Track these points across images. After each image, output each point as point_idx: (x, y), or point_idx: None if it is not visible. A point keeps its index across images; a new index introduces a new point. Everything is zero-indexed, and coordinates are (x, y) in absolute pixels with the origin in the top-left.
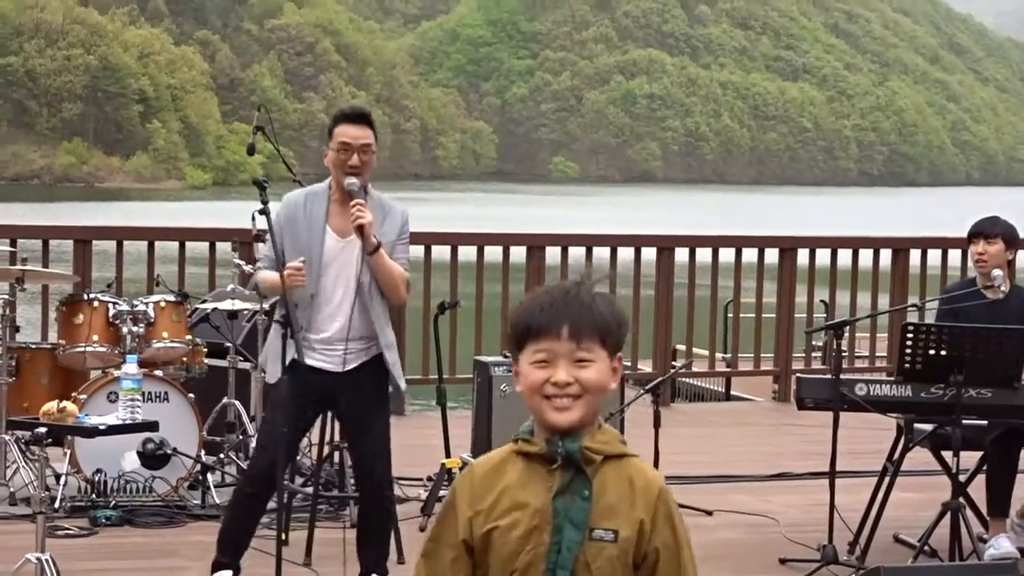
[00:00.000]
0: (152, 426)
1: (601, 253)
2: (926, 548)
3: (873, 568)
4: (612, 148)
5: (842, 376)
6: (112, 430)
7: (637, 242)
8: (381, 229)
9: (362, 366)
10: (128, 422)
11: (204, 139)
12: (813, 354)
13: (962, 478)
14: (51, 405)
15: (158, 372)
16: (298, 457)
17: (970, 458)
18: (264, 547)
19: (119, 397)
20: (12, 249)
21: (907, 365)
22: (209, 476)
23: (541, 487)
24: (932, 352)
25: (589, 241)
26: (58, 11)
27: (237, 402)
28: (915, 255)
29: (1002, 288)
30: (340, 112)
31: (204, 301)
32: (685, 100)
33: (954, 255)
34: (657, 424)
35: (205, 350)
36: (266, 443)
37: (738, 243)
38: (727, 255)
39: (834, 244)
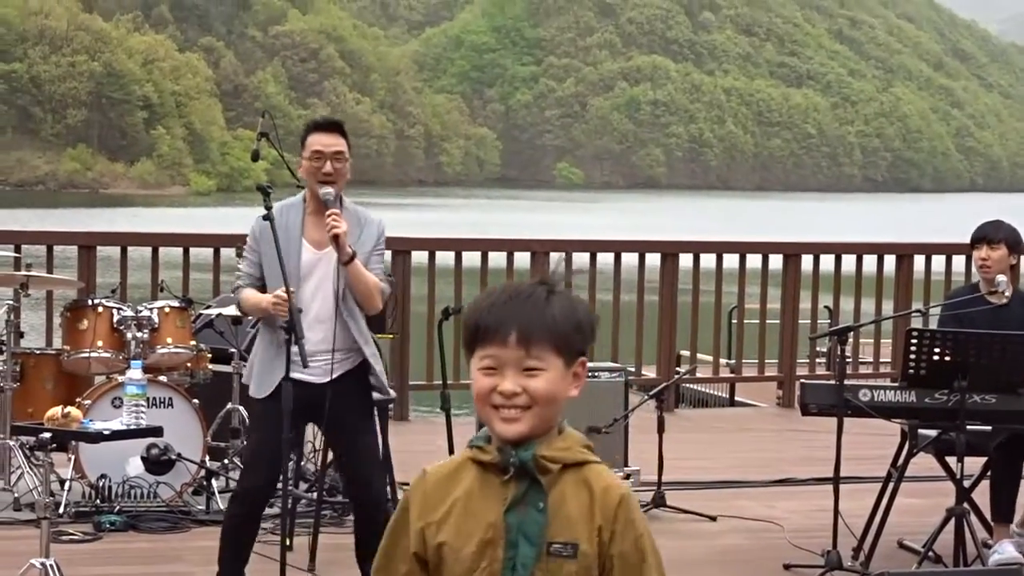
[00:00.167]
0: (156, 431)
1: (605, 259)
2: (930, 554)
3: (878, 574)
4: (616, 154)
5: (846, 382)
6: (116, 435)
7: (641, 248)
8: (358, 240)
9: (344, 376)
10: (132, 427)
11: (208, 145)
12: (817, 360)
13: (966, 484)
14: (55, 410)
15: (162, 378)
16: (302, 463)
17: (974, 464)
18: (268, 553)
19: (123, 402)
20: (17, 255)
21: (911, 371)
22: (213, 481)
23: (495, 499)
24: (936, 358)
25: (593, 247)
26: (62, 17)
27: (241, 407)
28: (919, 261)
29: (1006, 294)
30: (312, 122)
31: (208, 307)
32: (689, 106)
33: (958, 261)
34: (661, 430)
35: (209, 356)
36: (252, 463)
37: (742, 249)
38: (731, 261)
39: (838, 250)
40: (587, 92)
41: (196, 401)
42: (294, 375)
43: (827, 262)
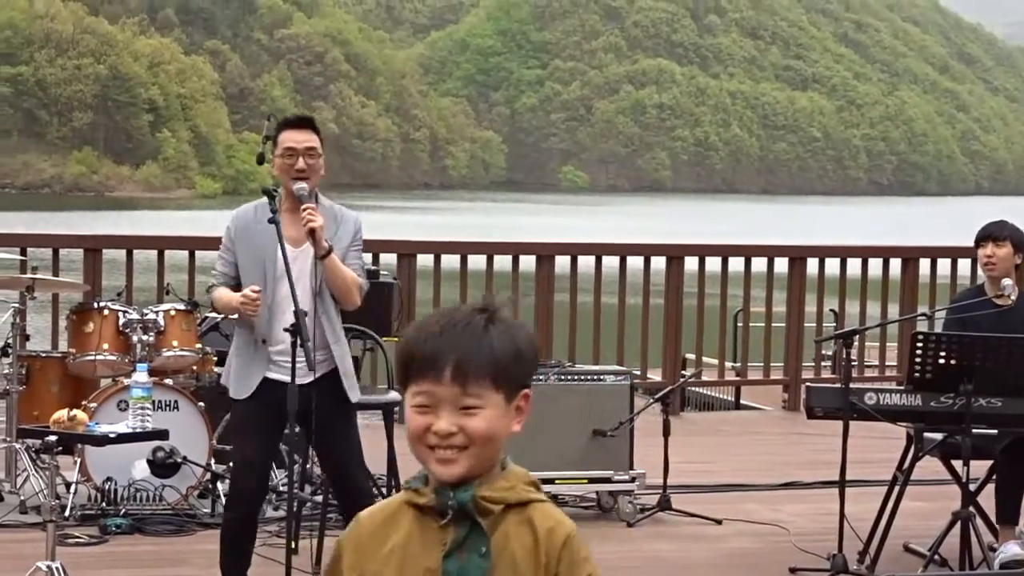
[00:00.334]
0: (162, 435)
1: (610, 262)
2: (936, 557)
3: None
4: (622, 158)
5: (852, 385)
6: (122, 438)
7: (647, 251)
8: (335, 236)
9: (325, 375)
10: (138, 430)
11: (214, 148)
12: (823, 363)
13: (972, 487)
14: (61, 413)
15: (168, 381)
16: (308, 465)
17: (980, 467)
18: (273, 556)
19: (129, 406)
20: (22, 258)
21: (917, 374)
22: (219, 485)
23: (433, 544)
24: (942, 361)
25: (598, 250)
26: (68, 21)
27: None
28: (925, 264)
29: (1012, 296)
30: (283, 119)
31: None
32: (695, 110)
33: (963, 264)
34: (667, 433)
35: (215, 359)
36: (242, 465)
37: (748, 252)
38: (737, 264)
39: (844, 253)
40: (592, 95)
41: (201, 404)
42: (273, 376)
43: (832, 265)
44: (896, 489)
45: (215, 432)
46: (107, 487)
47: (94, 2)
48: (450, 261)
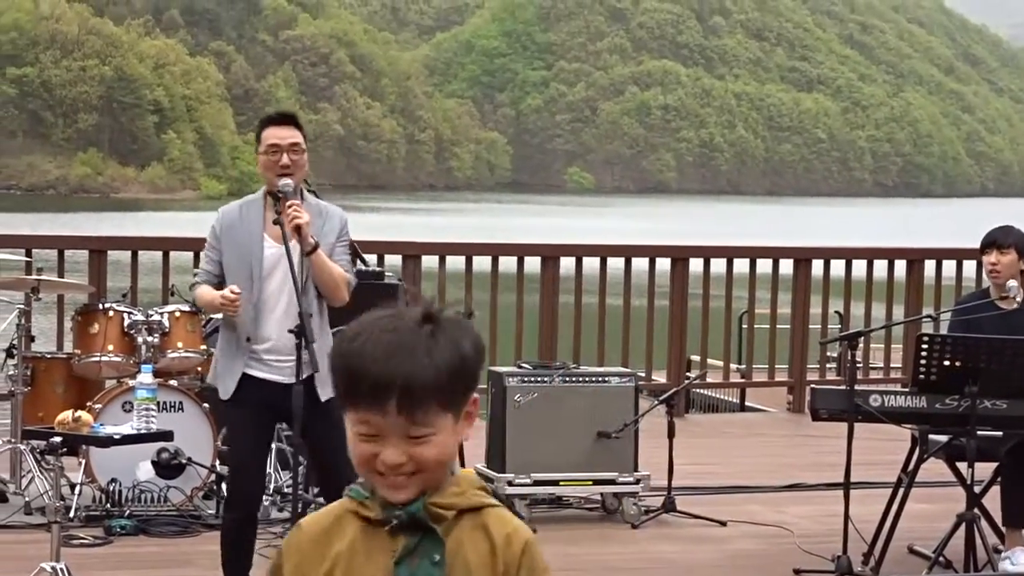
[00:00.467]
0: (167, 436)
1: (616, 263)
2: (941, 559)
3: None
4: (626, 159)
5: (856, 387)
6: (127, 440)
7: (651, 252)
8: (321, 231)
9: (311, 377)
10: (143, 432)
11: (219, 150)
12: (828, 365)
13: (977, 489)
14: (66, 415)
15: (173, 382)
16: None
17: (985, 469)
18: None
19: (134, 407)
20: (28, 259)
21: (922, 376)
22: (223, 486)
23: (381, 551)
24: (947, 363)
25: (603, 251)
26: (73, 22)
27: None
28: (930, 266)
29: (1017, 299)
30: (266, 116)
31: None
32: (700, 111)
33: (969, 266)
34: (671, 435)
35: None
36: (239, 466)
37: (752, 254)
38: (741, 266)
39: (848, 255)
40: (598, 97)
41: (206, 405)
42: (257, 374)
43: (838, 267)
44: (901, 491)
45: (220, 433)
46: (112, 488)
47: (99, 3)
48: (455, 262)
